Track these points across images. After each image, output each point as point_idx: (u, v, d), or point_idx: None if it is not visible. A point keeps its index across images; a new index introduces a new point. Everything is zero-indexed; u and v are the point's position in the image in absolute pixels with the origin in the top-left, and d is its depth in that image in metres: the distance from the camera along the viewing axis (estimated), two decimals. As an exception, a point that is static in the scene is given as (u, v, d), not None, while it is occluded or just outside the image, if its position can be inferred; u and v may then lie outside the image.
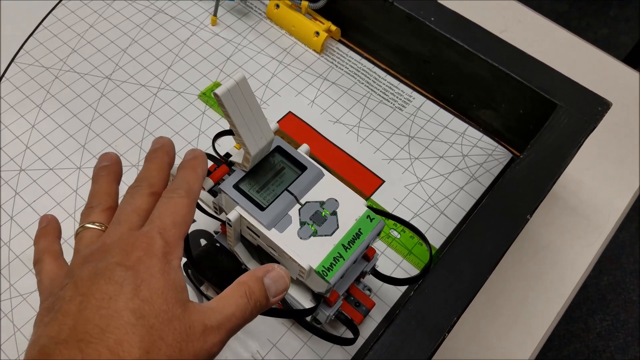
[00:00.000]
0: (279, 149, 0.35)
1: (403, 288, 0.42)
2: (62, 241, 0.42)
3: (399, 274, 0.42)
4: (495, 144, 0.50)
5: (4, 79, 0.50)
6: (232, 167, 0.35)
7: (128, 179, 0.45)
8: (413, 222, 0.45)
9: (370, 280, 0.41)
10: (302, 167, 0.34)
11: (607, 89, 0.52)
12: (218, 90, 0.28)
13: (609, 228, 0.50)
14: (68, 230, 0.42)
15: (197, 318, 0.24)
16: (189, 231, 0.42)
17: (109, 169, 0.32)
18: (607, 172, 0.52)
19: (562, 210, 0.50)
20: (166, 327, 0.23)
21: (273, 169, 0.34)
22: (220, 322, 0.25)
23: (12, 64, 0.51)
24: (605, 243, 0.49)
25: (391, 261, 0.43)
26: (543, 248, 0.48)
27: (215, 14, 0.55)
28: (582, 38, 0.63)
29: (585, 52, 0.61)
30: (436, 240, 0.44)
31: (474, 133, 0.50)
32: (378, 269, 0.39)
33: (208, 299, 0.39)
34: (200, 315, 0.25)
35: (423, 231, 0.44)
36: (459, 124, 0.51)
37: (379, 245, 0.43)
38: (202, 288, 0.39)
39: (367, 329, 0.40)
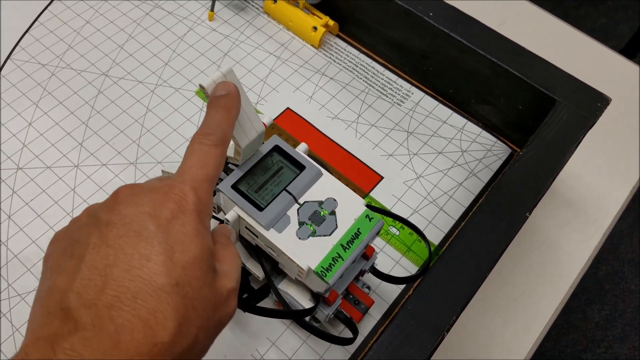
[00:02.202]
0: (277, 149, 0.35)
1: (402, 285, 0.42)
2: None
3: (398, 271, 0.42)
4: (495, 139, 0.50)
5: (0, 76, 0.50)
6: (229, 166, 0.35)
7: (126, 177, 0.45)
8: (412, 219, 0.45)
9: (369, 278, 0.41)
10: (301, 167, 0.34)
11: (606, 82, 0.51)
12: (203, 82, 0.28)
13: (608, 222, 0.50)
14: (66, 229, 0.42)
15: (223, 283, 0.23)
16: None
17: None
18: (606, 166, 0.52)
19: (560, 204, 0.50)
20: (198, 296, 0.22)
21: (271, 169, 0.34)
22: (236, 283, 0.24)
23: (8, 60, 0.51)
24: (604, 237, 0.50)
25: (390, 258, 0.43)
26: (542, 242, 0.48)
27: (212, 9, 0.54)
28: (580, 28, 0.62)
29: (584, 44, 0.61)
30: (435, 236, 0.44)
31: (473, 128, 0.50)
32: (377, 266, 0.39)
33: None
34: (225, 280, 0.24)
35: (422, 227, 0.45)
36: (458, 119, 0.51)
37: (378, 242, 0.43)
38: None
39: (367, 326, 0.40)
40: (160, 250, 0.21)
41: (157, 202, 0.23)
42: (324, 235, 0.32)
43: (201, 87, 0.28)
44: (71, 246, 0.22)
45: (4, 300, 0.39)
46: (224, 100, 0.27)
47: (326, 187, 0.34)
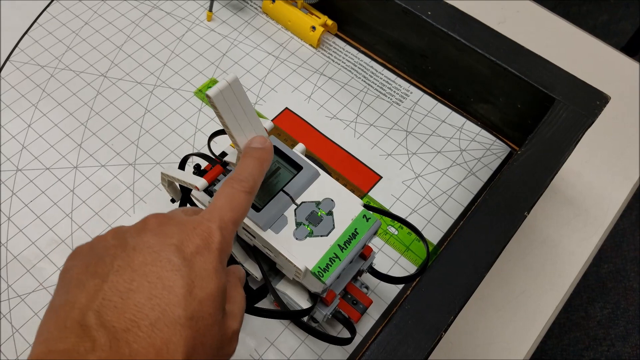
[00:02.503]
0: (274, 149, 0.35)
1: (401, 285, 0.42)
2: (59, 241, 0.42)
3: (397, 271, 0.42)
4: (494, 138, 0.50)
5: (-1, 77, 0.50)
6: (227, 167, 0.35)
7: (125, 178, 0.45)
8: (410, 218, 0.45)
9: (367, 277, 0.41)
10: (298, 167, 0.34)
11: (606, 80, 0.51)
12: (210, 92, 0.28)
13: (608, 220, 0.50)
14: (65, 229, 0.42)
15: (230, 324, 0.24)
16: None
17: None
18: (606, 164, 0.52)
19: (561, 202, 0.50)
20: (208, 333, 0.22)
21: (268, 170, 0.34)
22: (239, 325, 0.25)
23: (7, 62, 0.51)
24: (605, 236, 0.49)
25: (389, 258, 0.43)
26: (542, 241, 0.48)
27: (210, 10, 0.55)
28: (581, 25, 0.62)
29: (584, 42, 0.61)
30: (434, 236, 0.44)
31: (472, 127, 0.50)
32: (376, 266, 0.39)
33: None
34: (231, 321, 0.24)
35: (421, 227, 0.44)
36: (457, 118, 0.50)
37: (376, 242, 0.43)
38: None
39: (365, 326, 0.40)
40: (182, 283, 0.22)
41: (184, 236, 0.23)
42: (321, 236, 0.32)
43: (207, 96, 0.28)
44: (95, 264, 0.23)
45: (4, 301, 0.39)
46: (258, 153, 0.29)
47: (323, 187, 0.34)
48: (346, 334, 0.39)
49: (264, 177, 0.29)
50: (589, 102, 0.43)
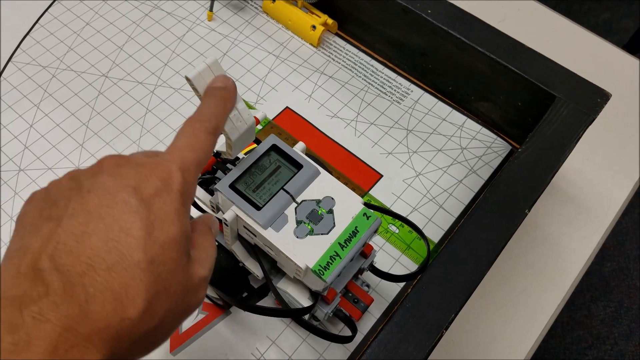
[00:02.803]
0: (274, 148, 0.35)
1: (402, 283, 0.42)
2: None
3: (398, 269, 0.42)
4: (494, 136, 0.50)
5: (1, 78, 0.50)
6: (227, 166, 0.35)
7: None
8: (411, 217, 0.45)
9: (368, 276, 0.41)
10: (298, 166, 0.34)
11: (607, 78, 0.51)
12: (189, 73, 0.28)
13: (610, 219, 0.50)
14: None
15: (195, 270, 0.23)
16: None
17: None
18: (607, 162, 0.52)
19: (562, 200, 0.50)
20: (171, 278, 0.21)
21: (269, 168, 0.34)
22: (208, 273, 0.24)
23: (9, 63, 0.51)
24: (607, 234, 0.49)
25: (390, 256, 0.43)
26: (543, 239, 0.48)
27: (211, 9, 0.55)
28: (583, 23, 0.62)
29: (585, 40, 0.61)
30: (435, 234, 0.44)
31: (472, 125, 0.50)
32: (377, 264, 0.39)
33: (207, 297, 0.40)
34: (198, 267, 0.23)
35: (421, 225, 0.44)
36: (458, 117, 0.50)
37: (377, 240, 0.43)
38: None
39: (366, 324, 0.40)
40: (140, 225, 0.21)
41: (142, 177, 0.22)
42: (322, 234, 0.32)
43: (187, 78, 0.28)
44: (49, 208, 0.22)
45: (6, 300, 0.39)
46: (221, 92, 0.28)
47: (324, 185, 0.34)
48: (347, 332, 0.39)
49: (227, 117, 0.28)
50: (590, 99, 0.43)
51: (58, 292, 0.19)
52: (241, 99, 0.30)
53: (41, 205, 0.22)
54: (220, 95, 0.28)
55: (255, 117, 0.32)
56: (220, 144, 0.35)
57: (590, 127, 0.42)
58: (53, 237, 0.20)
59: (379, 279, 0.41)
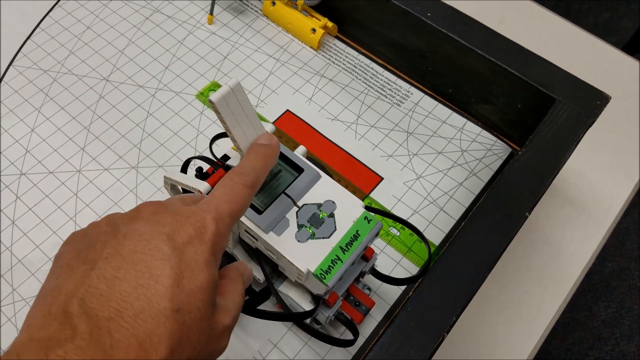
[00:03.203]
0: (275, 152, 0.35)
1: (403, 286, 0.42)
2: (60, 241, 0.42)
3: (399, 272, 0.42)
4: (495, 138, 0.50)
5: (2, 82, 0.50)
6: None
7: (128, 181, 0.45)
8: (412, 219, 0.45)
9: (369, 279, 0.41)
10: (299, 170, 0.34)
11: (607, 79, 0.51)
12: (212, 97, 0.28)
13: (610, 220, 0.50)
14: (69, 231, 0.42)
15: (219, 319, 0.24)
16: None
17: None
18: (607, 164, 0.52)
19: (562, 202, 0.50)
20: (195, 326, 0.22)
21: (270, 172, 0.34)
22: (232, 322, 0.25)
23: (11, 67, 0.52)
24: (607, 235, 0.49)
25: (391, 259, 0.43)
26: (544, 241, 0.48)
27: (211, 13, 0.55)
28: (582, 23, 0.62)
29: (585, 41, 0.61)
30: (436, 237, 0.44)
31: (472, 128, 0.50)
32: (378, 267, 0.39)
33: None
34: (222, 316, 0.24)
35: (422, 228, 0.45)
36: (458, 119, 0.51)
37: (378, 243, 0.43)
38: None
39: (368, 327, 0.40)
40: (170, 273, 0.21)
41: (177, 225, 0.23)
42: (323, 238, 0.33)
43: (210, 101, 0.28)
44: (85, 250, 0.22)
45: (9, 305, 0.40)
46: (264, 149, 0.29)
47: (325, 189, 0.34)
48: (349, 335, 0.39)
49: (267, 174, 0.29)
50: (590, 102, 0.43)
51: (84, 336, 0.19)
52: (254, 111, 0.31)
53: (79, 247, 0.23)
54: (262, 152, 0.29)
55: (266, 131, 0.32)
56: (226, 148, 0.35)
57: (589, 128, 0.42)
58: (86, 280, 0.21)
59: (380, 281, 0.41)
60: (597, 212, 0.50)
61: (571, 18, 0.63)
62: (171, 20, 0.55)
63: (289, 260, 0.32)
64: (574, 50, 0.59)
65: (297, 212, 0.33)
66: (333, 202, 0.34)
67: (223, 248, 0.25)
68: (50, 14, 0.56)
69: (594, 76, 0.47)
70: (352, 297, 0.38)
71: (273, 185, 0.34)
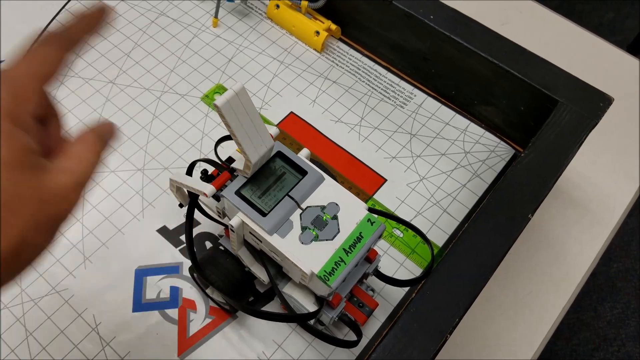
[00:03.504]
0: (279, 154, 0.35)
1: (406, 288, 0.42)
2: (71, 246, 0.42)
3: (403, 274, 0.43)
4: (498, 140, 0.50)
5: (10, 86, 0.51)
6: (235, 173, 0.36)
7: (134, 183, 0.46)
8: (415, 221, 0.45)
9: (373, 280, 0.41)
10: (303, 172, 0.35)
11: (611, 80, 0.51)
12: (218, 102, 0.29)
13: (614, 221, 0.50)
14: (76, 234, 0.43)
15: (53, 178, 0.23)
16: (194, 234, 0.43)
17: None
18: (611, 165, 0.52)
19: (566, 204, 0.50)
20: (12, 197, 0.21)
21: (274, 175, 0.35)
22: (76, 178, 0.24)
23: (18, 71, 0.52)
24: (611, 236, 0.49)
25: (394, 260, 0.43)
26: (548, 242, 0.48)
27: (216, 16, 0.55)
28: (586, 23, 0.62)
29: (588, 42, 0.61)
30: (439, 238, 0.45)
31: (475, 129, 0.50)
32: (381, 268, 0.39)
33: (214, 301, 0.40)
34: (59, 176, 0.23)
35: (426, 229, 0.45)
36: (461, 121, 0.51)
37: (382, 244, 0.44)
38: (208, 290, 0.40)
39: (371, 328, 0.40)
40: None
41: None
42: (327, 240, 0.33)
43: (215, 106, 0.29)
44: None
45: (18, 305, 0.40)
46: (88, 18, 0.27)
47: (328, 191, 0.35)
48: (353, 336, 0.39)
49: (89, 34, 0.27)
50: (592, 103, 0.43)
51: None
52: (261, 120, 0.31)
53: None
54: (87, 17, 0.27)
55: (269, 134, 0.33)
56: (231, 150, 0.35)
57: (593, 130, 0.42)
58: None
59: (383, 283, 0.41)
60: (601, 213, 0.50)
61: (575, 18, 0.63)
62: (176, 23, 0.56)
63: (292, 262, 0.32)
64: (577, 50, 0.59)
65: (300, 214, 0.34)
66: (336, 204, 0.34)
67: (27, 111, 0.23)
68: (57, 17, 0.56)
69: (597, 77, 0.48)
70: (355, 299, 0.38)
71: (277, 187, 0.34)
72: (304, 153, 0.36)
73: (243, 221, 0.33)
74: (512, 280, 0.45)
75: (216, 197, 0.36)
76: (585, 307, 1.13)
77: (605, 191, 0.51)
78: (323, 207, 0.34)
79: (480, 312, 0.44)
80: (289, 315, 0.35)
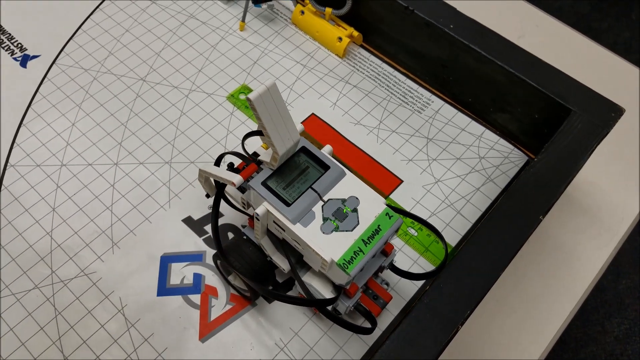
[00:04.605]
0: (304, 149, 0.37)
1: (419, 283, 0.44)
2: (100, 232, 0.45)
3: (416, 270, 0.44)
4: (511, 147, 0.52)
5: (46, 79, 0.54)
6: (261, 166, 0.38)
7: (162, 175, 0.48)
8: (430, 221, 0.47)
9: (388, 275, 0.43)
10: (325, 167, 0.37)
11: (624, 94, 0.53)
12: (251, 95, 0.31)
13: (623, 230, 0.51)
14: (105, 221, 0.45)
15: None
16: (219, 225, 0.45)
17: None
18: (622, 175, 0.54)
19: (576, 211, 0.51)
20: None
21: (298, 168, 0.37)
22: None
23: (54, 65, 0.55)
24: (620, 244, 0.51)
25: (409, 258, 0.45)
26: (557, 248, 0.49)
27: (243, 20, 0.58)
28: (602, 41, 0.64)
29: (602, 57, 0.62)
30: (452, 238, 0.46)
31: (490, 136, 0.52)
32: (396, 264, 0.41)
33: (235, 288, 0.42)
34: None
35: (440, 229, 0.46)
36: (476, 127, 0.53)
37: (397, 242, 0.45)
38: (230, 278, 0.42)
39: (385, 321, 0.42)
40: None
41: None
42: (346, 231, 0.35)
43: (247, 99, 0.31)
44: None
45: (48, 285, 0.42)
46: None
47: (349, 186, 0.36)
48: (367, 326, 0.41)
49: None
50: (604, 114, 0.45)
51: None
52: (290, 115, 0.33)
53: None
54: None
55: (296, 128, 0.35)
56: (256, 146, 0.37)
57: (606, 140, 0.44)
58: None
59: (398, 278, 0.43)
60: (609, 221, 0.51)
61: (591, 36, 0.64)
62: (205, 26, 0.58)
63: (314, 250, 0.34)
64: (591, 65, 0.61)
65: (322, 206, 0.35)
66: (356, 198, 0.36)
67: None
68: (91, 16, 0.59)
69: (611, 90, 0.49)
70: (370, 291, 0.40)
71: (301, 180, 0.36)
72: (327, 149, 0.38)
73: (268, 210, 0.35)
74: (521, 283, 0.47)
75: (241, 189, 0.38)
76: (593, 322, 1.13)
77: (615, 201, 0.52)
78: (344, 200, 0.36)
79: (489, 312, 0.45)
80: (309, 300, 0.36)
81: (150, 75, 0.54)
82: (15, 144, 0.49)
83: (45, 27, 0.58)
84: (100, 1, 0.60)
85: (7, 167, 0.48)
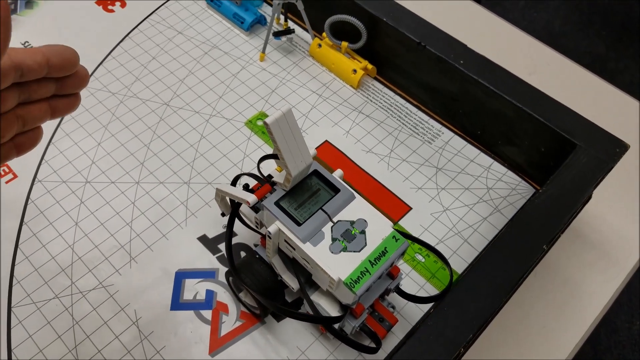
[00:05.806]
0: (316, 173, 0.39)
1: (425, 308, 0.45)
2: (119, 247, 0.47)
3: (422, 295, 0.45)
4: (519, 179, 0.53)
5: (76, 102, 0.57)
6: (274, 187, 0.40)
7: (180, 194, 0.50)
8: (437, 248, 0.48)
9: (394, 298, 0.44)
10: (336, 190, 0.39)
11: (631, 130, 0.54)
12: (268, 120, 0.33)
13: (631, 264, 0.52)
14: (125, 236, 0.47)
15: None
16: (233, 243, 0.46)
17: None
18: (629, 210, 0.54)
19: (583, 245, 0.52)
20: None
21: (310, 190, 0.38)
22: None
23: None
24: (627, 278, 0.51)
25: (415, 283, 0.46)
26: (564, 280, 0.50)
27: (263, 51, 0.61)
28: (617, 81, 0.65)
29: (609, 94, 0.64)
30: (459, 266, 0.47)
31: (498, 168, 0.53)
32: (402, 288, 0.42)
33: (245, 306, 0.43)
34: None
35: (447, 256, 0.48)
36: (485, 159, 0.54)
37: (404, 267, 0.47)
38: (241, 295, 0.43)
39: (390, 344, 0.43)
40: None
41: None
42: (354, 251, 0.36)
43: (264, 123, 0.33)
44: None
45: (67, 296, 0.44)
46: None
47: (358, 209, 0.38)
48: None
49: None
50: (609, 149, 0.46)
51: None
52: (303, 139, 0.35)
53: None
54: None
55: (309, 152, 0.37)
56: (270, 169, 0.39)
57: (614, 176, 0.45)
58: None
59: (405, 302, 0.44)
60: (617, 256, 0.51)
61: (607, 76, 0.66)
62: (227, 56, 0.62)
63: (322, 269, 0.35)
64: (598, 101, 0.62)
65: (332, 227, 0.37)
66: (365, 220, 0.38)
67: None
68: (120, 44, 0.63)
69: (619, 127, 0.50)
70: (376, 313, 0.41)
71: (312, 201, 0.38)
72: (337, 173, 0.40)
73: (280, 229, 0.37)
74: (528, 314, 0.47)
75: (255, 209, 0.40)
76: (606, 363, 1.11)
77: (623, 234, 0.53)
78: (352, 222, 0.37)
79: (495, 342, 0.45)
80: (317, 317, 0.38)
81: (174, 100, 0.57)
82: (43, 161, 0.52)
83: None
84: (129, 30, 0.64)
85: (35, 182, 0.50)
